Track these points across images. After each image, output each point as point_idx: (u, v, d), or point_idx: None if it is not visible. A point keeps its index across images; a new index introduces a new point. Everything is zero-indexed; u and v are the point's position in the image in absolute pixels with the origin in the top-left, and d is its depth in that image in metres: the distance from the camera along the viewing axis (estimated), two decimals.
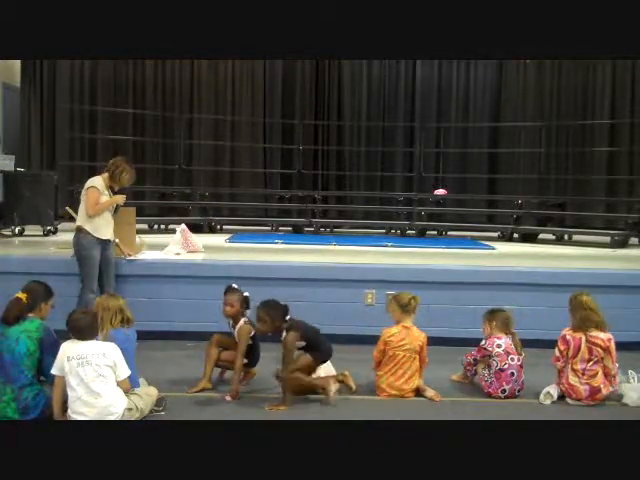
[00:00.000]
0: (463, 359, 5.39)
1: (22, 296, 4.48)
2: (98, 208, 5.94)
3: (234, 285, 5.29)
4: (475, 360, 5.26)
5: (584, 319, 5.01)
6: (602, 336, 5.01)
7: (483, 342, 5.17)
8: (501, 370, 5.04)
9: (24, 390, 4.27)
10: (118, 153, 11.46)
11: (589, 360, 4.98)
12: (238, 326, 5.16)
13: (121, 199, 6.20)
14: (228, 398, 4.91)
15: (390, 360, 5.03)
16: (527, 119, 12.20)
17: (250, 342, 5.16)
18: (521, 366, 5.10)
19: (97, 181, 6.01)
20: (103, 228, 6.02)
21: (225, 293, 5.22)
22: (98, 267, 6.03)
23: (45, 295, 4.65)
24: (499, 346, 5.07)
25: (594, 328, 5.00)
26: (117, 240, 6.40)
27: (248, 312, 5.24)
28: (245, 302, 5.22)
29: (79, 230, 6.01)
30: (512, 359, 5.06)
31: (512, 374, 5.05)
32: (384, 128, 12.61)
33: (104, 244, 6.07)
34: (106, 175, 6.06)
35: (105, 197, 6.00)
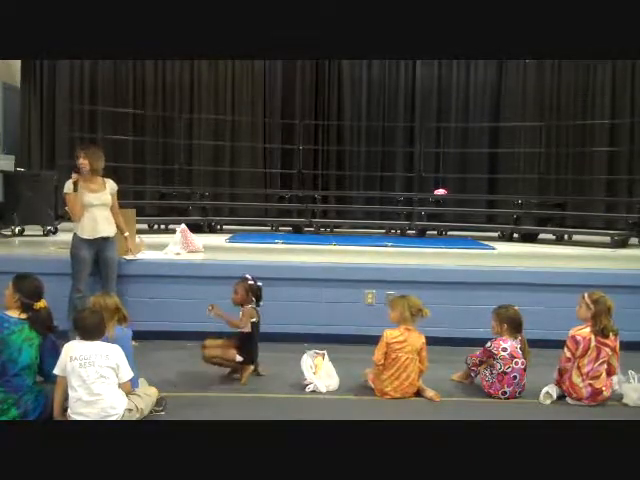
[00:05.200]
0: (468, 359, 5.37)
1: (44, 304, 4.44)
2: (72, 210, 5.95)
3: (247, 275, 5.41)
4: (480, 361, 5.25)
5: (607, 327, 4.97)
6: (611, 336, 5.01)
7: (489, 344, 5.14)
8: (504, 373, 5.03)
9: (25, 395, 4.24)
10: (118, 153, 11.59)
11: (596, 360, 4.97)
12: (244, 308, 5.28)
13: (71, 186, 5.95)
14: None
15: (393, 363, 4.99)
16: (527, 119, 12.20)
17: (249, 330, 5.25)
18: (524, 369, 5.08)
19: (65, 186, 5.99)
20: (90, 227, 5.96)
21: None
22: (87, 268, 6.00)
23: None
24: (505, 349, 5.04)
25: (612, 334, 5.00)
26: (127, 234, 6.40)
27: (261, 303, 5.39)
28: (252, 290, 5.33)
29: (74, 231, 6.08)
30: (516, 363, 5.03)
31: (515, 377, 5.04)
32: (384, 128, 12.60)
33: (100, 244, 6.02)
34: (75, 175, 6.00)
35: (86, 196, 5.96)
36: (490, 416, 4.61)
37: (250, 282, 5.34)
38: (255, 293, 5.35)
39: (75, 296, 5.91)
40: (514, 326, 5.13)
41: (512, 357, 5.03)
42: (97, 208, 6.00)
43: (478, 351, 5.29)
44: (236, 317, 5.32)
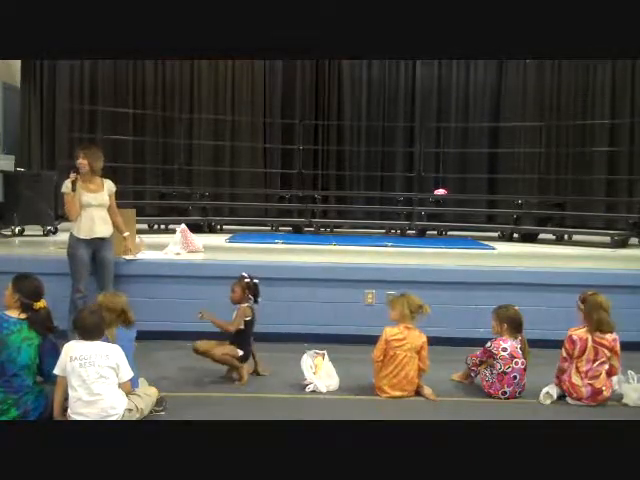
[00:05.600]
0: (468, 359, 5.36)
1: (44, 304, 4.42)
2: (69, 210, 5.94)
3: (243, 273, 5.44)
4: (480, 361, 5.25)
5: (602, 321, 4.98)
6: (608, 337, 5.01)
7: (489, 344, 5.13)
8: (504, 373, 5.03)
9: (25, 396, 4.24)
10: (118, 153, 11.59)
11: (594, 361, 4.97)
12: (238, 307, 5.32)
13: (70, 184, 5.95)
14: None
15: (391, 361, 5.00)
16: (527, 119, 12.20)
17: (242, 327, 5.28)
18: (524, 369, 5.08)
19: (65, 185, 5.98)
20: (83, 226, 5.95)
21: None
22: (85, 267, 5.99)
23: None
24: (505, 349, 5.04)
25: (607, 331, 5.00)
26: (126, 234, 6.40)
27: (259, 300, 5.42)
28: (249, 288, 5.35)
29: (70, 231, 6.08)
30: (516, 363, 5.03)
31: (515, 377, 5.04)
32: (384, 128, 12.60)
33: (96, 244, 6.01)
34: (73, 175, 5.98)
35: (84, 196, 5.95)
36: (490, 416, 4.62)
37: (247, 280, 5.36)
38: (252, 291, 5.36)
39: (76, 296, 5.91)
40: (514, 326, 5.13)
41: (512, 357, 5.03)
42: (95, 208, 6.00)
43: (478, 351, 5.29)
44: (231, 317, 5.35)
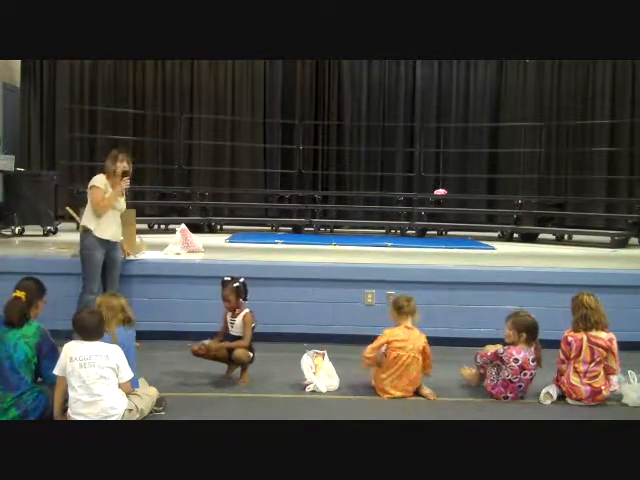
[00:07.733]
0: (478, 358, 5.27)
1: (20, 294, 4.39)
2: (104, 205, 5.90)
3: (226, 277, 5.36)
4: (490, 361, 5.20)
5: (582, 318, 5.00)
6: (603, 336, 5.00)
7: (501, 350, 5.04)
8: (510, 381, 5.00)
9: (24, 395, 4.24)
10: None
11: (591, 361, 4.96)
12: (242, 314, 5.25)
13: (120, 187, 6.01)
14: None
15: (394, 362, 4.99)
16: (527, 119, 12.21)
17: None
18: (531, 379, 5.04)
19: (98, 179, 5.96)
20: (107, 228, 5.97)
21: (222, 287, 5.32)
22: (100, 268, 5.98)
23: (39, 292, 4.57)
24: (516, 360, 4.96)
25: (593, 327, 4.99)
26: (121, 239, 6.40)
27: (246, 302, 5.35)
28: (239, 291, 5.29)
29: (84, 230, 5.97)
30: (525, 374, 4.98)
31: (520, 386, 5.02)
32: (384, 128, 12.62)
33: (110, 245, 6.02)
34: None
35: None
36: (490, 416, 4.62)
37: (236, 284, 5.28)
38: (244, 292, 5.32)
39: (89, 298, 5.77)
40: (531, 335, 5.06)
41: (522, 368, 4.96)
42: (118, 212, 6.09)
43: (489, 351, 5.21)
44: (230, 325, 5.33)
